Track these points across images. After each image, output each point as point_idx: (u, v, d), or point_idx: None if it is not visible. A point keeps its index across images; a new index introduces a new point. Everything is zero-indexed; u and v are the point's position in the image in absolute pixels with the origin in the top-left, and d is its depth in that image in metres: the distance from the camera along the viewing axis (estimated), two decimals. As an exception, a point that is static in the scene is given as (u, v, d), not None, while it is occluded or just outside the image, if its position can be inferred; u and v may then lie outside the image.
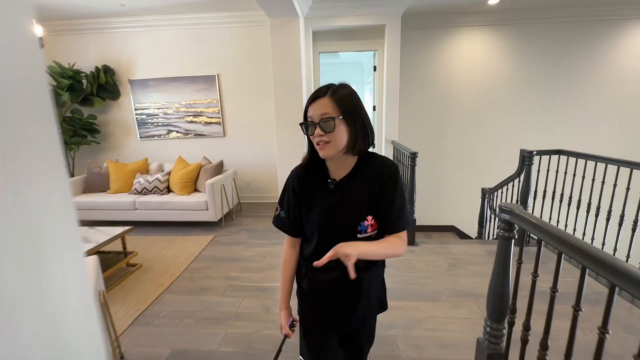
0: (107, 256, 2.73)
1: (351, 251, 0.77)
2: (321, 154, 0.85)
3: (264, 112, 4.40)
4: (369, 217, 0.89)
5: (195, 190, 3.82)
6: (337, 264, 0.87)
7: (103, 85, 4.32)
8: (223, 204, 3.71)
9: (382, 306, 1.08)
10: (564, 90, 4.41)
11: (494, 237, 3.60)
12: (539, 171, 2.97)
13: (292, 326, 1.03)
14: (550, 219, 2.97)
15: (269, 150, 4.50)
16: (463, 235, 4.87)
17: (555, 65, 4.34)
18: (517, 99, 4.48)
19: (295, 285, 1.07)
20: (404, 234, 0.91)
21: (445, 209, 4.96)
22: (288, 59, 3.57)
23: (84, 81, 4.31)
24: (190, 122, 4.55)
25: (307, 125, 0.84)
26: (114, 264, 2.57)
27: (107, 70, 4.37)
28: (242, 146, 4.57)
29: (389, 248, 0.88)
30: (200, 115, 4.51)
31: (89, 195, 3.81)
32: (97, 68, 4.29)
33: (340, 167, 0.91)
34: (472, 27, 4.29)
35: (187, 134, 4.60)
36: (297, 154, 3.86)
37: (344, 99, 0.83)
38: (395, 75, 3.96)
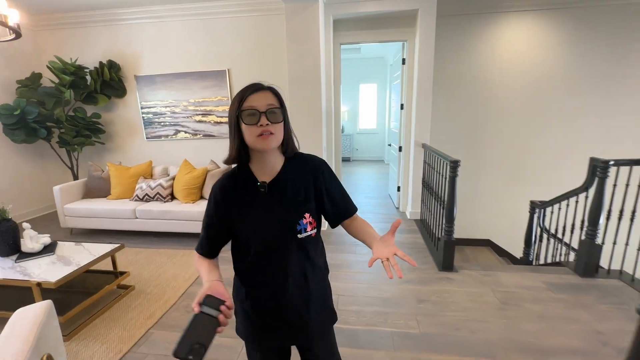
0: (96, 276, 2.38)
1: (392, 248, 0.76)
2: (264, 145, 0.80)
3: (278, 111, 3.98)
4: (307, 215, 0.88)
5: (202, 197, 3.45)
6: (274, 278, 0.88)
7: (108, 81, 4.02)
8: (231, 213, 3.31)
9: (333, 316, 1.02)
10: (636, 87, 3.73)
11: (547, 261, 3.04)
12: (615, 185, 2.39)
13: (212, 305, 0.70)
14: (627, 245, 2.39)
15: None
16: (500, 251, 4.29)
17: (624, 56, 3.67)
18: (576, 97, 3.84)
19: (235, 306, 0.95)
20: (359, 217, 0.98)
21: (480, 221, 4.39)
22: (305, 50, 3.12)
23: (88, 77, 4.03)
24: (199, 121, 4.19)
25: (246, 114, 0.79)
26: (102, 286, 2.22)
27: (112, 66, 4.07)
28: (254, 148, 4.16)
29: (370, 226, 0.96)
30: (210, 114, 4.14)
31: (88, 201, 3.51)
32: (101, 63, 3.99)
33: (268, 168, 0.88)
34: (521, 13, 3.69)
35: (196, 134, 4.24)
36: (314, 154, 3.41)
37: (281, 98, 0.85)
38: (429, 68, 3.44)
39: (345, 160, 8.00)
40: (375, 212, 4.16)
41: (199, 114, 4.16)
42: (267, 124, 0.79)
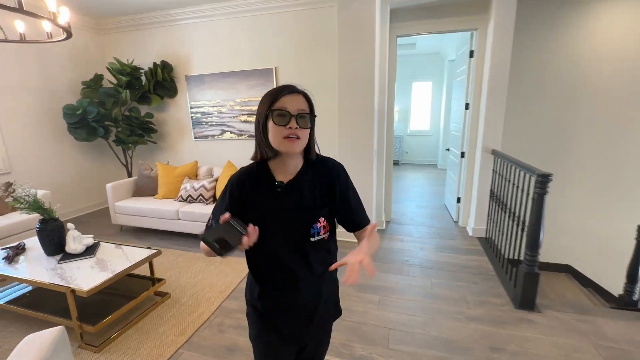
0: (134, 281, 2.32)
1: (363, 257, 0.72)
2: (289, 147, 0.80)
3: (325, 110, 3.71)
4: (321, 219, 0.87)
5: (243, 201, 3.30)
6: (286, 279, 0.88)
7: (161, 82, 4.09)
8: (272, 220, 3.12)
9: (337, 311, 1.03)
10: None
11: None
12: None
13: (239, 223, 0.71)
14: None
15: (330, 155, 3.80)
16: (584, 281, 3.56)
17: None
18: None
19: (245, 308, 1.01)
20: (372, 227, 0.89)
21: (558, 242, 3.68)
22: (359, 44, 2.80)
23: (143, 78, 4.14)
24: (245, 121, 4.09)
25: (277, 114, 0.78)
26: (139, 293, 2.14)
27: (165, 66, 4.13)
28: (299, 150, 3.95)
29: (376, 241, 0.88)
30: (255, 114, 4.01)
31: (137, 199, 3.57)
32: (155, 64, 4.07)
33: (287, 169, 0.87)
34: (629, -11, 2.98)
35: (241, 134, 4.15)
36: (362, 160, 3.10)
37: (312, 102, 0.84)
38: (504, 62, 2.91)
39: (394, 163, 7.48)
40: (429, 225, 3.69)
41: (245, 114, 4.06)
42: (296, 128, 0.78)
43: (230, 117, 4.13)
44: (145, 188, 3.69)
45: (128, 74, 3.92)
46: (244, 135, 4.13)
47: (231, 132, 4.18)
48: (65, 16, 1.99)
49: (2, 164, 3.46)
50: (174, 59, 4.19)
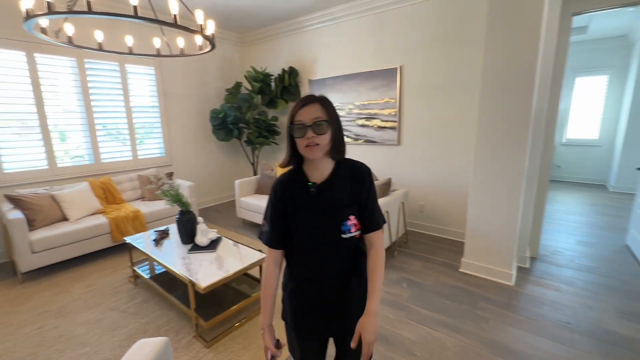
0: (247, 280, 2.40)
1: (373, 336, 0.87)
2: (310, 154, 0.90)
3: (455, 114, 3.14)
4: (352, 217, 0.94)
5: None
6: (318, 274, 0.98)
7: (287, 87, 4.31)
8: (385, 235, 2.80)
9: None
10: None
11: None
12: None
13: (277, 346, 0.99)
14: None
15: (457, 167, 3.21)
16: None
17: None
18: None
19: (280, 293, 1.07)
20: (381, 234, 1.00)
21: None
22: (517, 28, 2.18)
23: (272, 84, 4.44)
24: (362, 125, 3.88)
25: (296, 128, 0.88)
26: (250, 293, 2.20)
27: (292, 72, 4.33)
28: (419, 158, 3.49)
29: (380, 272, 0.96)
30: (374, 118, 3.76)
31: (257, 196, 3.83)
32: (283, 70, 4.31)
33: (319, 171, 0.96)
34: None
35: (357, 139, 3.97)
36: (508, 180, 2.38)
37: (330, 107, 0.92)
38: None
39: (539, 179, 6.01)
40: (600, 274, 2.65)
41: (363, 118, 3.85)
42: (313, 136, 0.87)
43: (348, 120, 4.00)
44: (266, 187, 3.92)
45: (261, 81, 4.27)
46: (360, 140, 3.93)
47: (347, 137, 4.04)
48: (211, 28, 2.17)
49: (167, 158, 4.27)
50: (299, 64, 4.35)
